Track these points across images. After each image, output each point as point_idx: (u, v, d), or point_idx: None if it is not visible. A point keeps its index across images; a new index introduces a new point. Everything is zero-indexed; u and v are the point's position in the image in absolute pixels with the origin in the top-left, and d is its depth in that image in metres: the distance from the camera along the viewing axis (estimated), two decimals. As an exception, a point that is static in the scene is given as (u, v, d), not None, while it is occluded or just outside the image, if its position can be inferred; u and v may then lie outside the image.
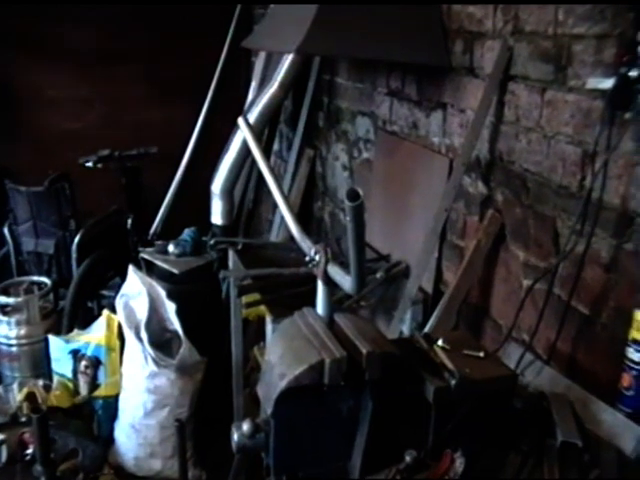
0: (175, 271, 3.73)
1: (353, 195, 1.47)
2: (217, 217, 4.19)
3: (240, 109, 4.59)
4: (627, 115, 1.86)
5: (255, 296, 2.94)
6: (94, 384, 3.61)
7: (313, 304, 1.78)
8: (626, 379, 1.79)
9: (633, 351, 1.76)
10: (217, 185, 4.10)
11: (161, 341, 3.38)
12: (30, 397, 3.44)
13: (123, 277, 3.62)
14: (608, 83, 1.86)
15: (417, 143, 3.13)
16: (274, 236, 4.70)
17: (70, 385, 3.65)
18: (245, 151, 3.90)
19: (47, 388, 3.57)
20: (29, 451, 3.13)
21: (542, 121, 2.26)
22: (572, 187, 2.14)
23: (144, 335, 3.26)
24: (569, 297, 2.14)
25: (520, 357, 2.17)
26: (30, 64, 5.13)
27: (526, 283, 2.37)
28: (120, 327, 3.45)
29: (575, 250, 2.08)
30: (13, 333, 3.87)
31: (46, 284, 4.10)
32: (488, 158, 2.59)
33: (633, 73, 1.77)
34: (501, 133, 2.51)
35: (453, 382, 1.62)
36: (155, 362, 3.23)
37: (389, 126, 3.43)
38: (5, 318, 3.86)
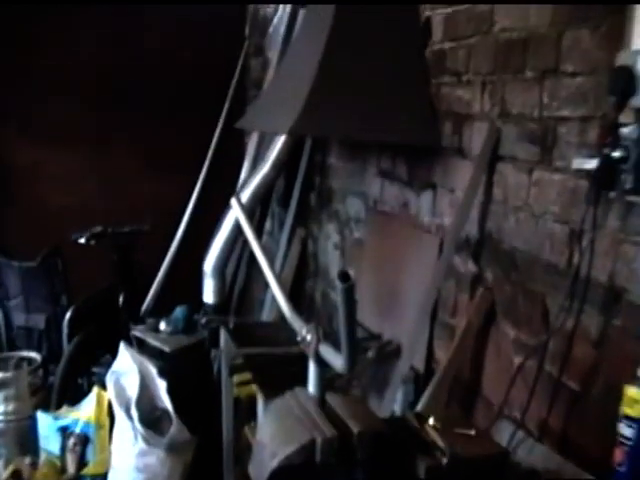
0: (166, 349, 3.73)
1: (344, 276, 1.49)
2: (209, 295, 4.21)
3: (233, 187, 4.65)
4: (612, 194, 1.90)
5: (246, 375, 2.93)
6: (82, 462, 3.55)
7: (305, 383, 1.79)
8: (618, 454, 1.78)
9: (624, 426, 1.76)
10: (209, 264, 4.13)
11: (151, 419, 3.35)
12: (16, 474, 3.39)
13: (114, 354, 3.60)
14: (592, 163, 1.90)
15: (408, 222, 3.16)
16: (266, 315, 4.69)
17: (57, 463, 3.58)
18: (237, 230, 3.94)
19: (34, 465, 3.52)
20: (15, 531, 3.07)
21: (530, 200, 2.30)
22: (560, 264, 2.16)
23: (134, 413, 3.24)
24: (559, 374, 2.14)
25: (512, 434, 2.16)
26: (26, 138, 5.20)
27: (517, 360, 2.37)
28: (110, 404, 3.42)
29: (564, 326, 2.09)
30: (1, 409, 3.82)
31: (36, 359, 4.08)
32: (477, 237, 2.62)
33: (616, 154, 1.81)
34: (490, 212, 2.55)
35: (445, 460, 1.62)
36: (145, 440, 3.19)
37: (380, 206, 3.47)
38: (-7, 393, 3.83)
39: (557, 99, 2.16)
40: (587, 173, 1.98)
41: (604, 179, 1.88)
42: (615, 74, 1.84)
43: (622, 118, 1.84)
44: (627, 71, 1.77)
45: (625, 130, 1.81)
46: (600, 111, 1.96)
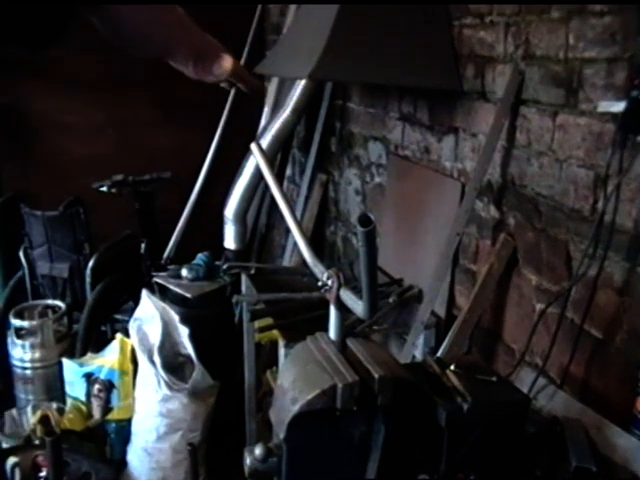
0: (188, 295, 3.74)
1: (365, 220, 1.47)
2: (230, 242, 4.21)
3: (253, 134, 4.62)
4: (639, 138, 1.86)
5: (268, 320, 2.94)
6: (107, 407, 3.61)
7: (326, 329, 1.78)
8: (640, 403, 1.78)
9: (647, 375, 1.76)
10: (230, 210, 4.12)
11: (174, 365, 3.38)
12: (44, 420, 3.44)
13: (136, 301, 3.63)
14: (619, 106, 1.87)
15: (429, 167, 3.14)
16: (287, 261, 4.70)
17: (83, 408, 3.65)
18: (258, 176, 3.92)
19: (61, 411, 3.57)
20: (43, 474, 3.12)
21: (554, 145, 2.27)
22: (584, 211, 2.14)
23: (157, 359, 3.27)
24: (582, 321, 2.13)
25: (533, 381, 2.16)
26: (45, 90, 5.17)
27: (539, 307, 2.37)
28: (133, 351, 3.46)
29: (588, 274, 2.08)
30: (27, 356, 3.88)
31: (60, 308, 4.13)
32: (500, 182, 2.60)
33: (644, 96, 1.78)
34: (513, 157, 2.52)
35: (465, 406, 1.61)
36: (168, 386, 3.23)
37: (401, 151, 3.44)
38: (20, 341, 3.88)
39: (583, 40, 2.10)
40: (613, 116, 1.95)
41: (631, 123, 1.85)
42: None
43: (651, 59, 1.80)
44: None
45: (654, 72, 1.77)
46: (628, 52, 1.91)
